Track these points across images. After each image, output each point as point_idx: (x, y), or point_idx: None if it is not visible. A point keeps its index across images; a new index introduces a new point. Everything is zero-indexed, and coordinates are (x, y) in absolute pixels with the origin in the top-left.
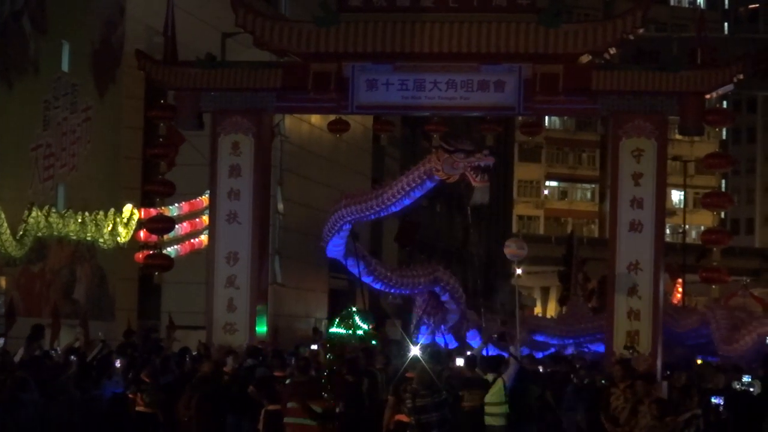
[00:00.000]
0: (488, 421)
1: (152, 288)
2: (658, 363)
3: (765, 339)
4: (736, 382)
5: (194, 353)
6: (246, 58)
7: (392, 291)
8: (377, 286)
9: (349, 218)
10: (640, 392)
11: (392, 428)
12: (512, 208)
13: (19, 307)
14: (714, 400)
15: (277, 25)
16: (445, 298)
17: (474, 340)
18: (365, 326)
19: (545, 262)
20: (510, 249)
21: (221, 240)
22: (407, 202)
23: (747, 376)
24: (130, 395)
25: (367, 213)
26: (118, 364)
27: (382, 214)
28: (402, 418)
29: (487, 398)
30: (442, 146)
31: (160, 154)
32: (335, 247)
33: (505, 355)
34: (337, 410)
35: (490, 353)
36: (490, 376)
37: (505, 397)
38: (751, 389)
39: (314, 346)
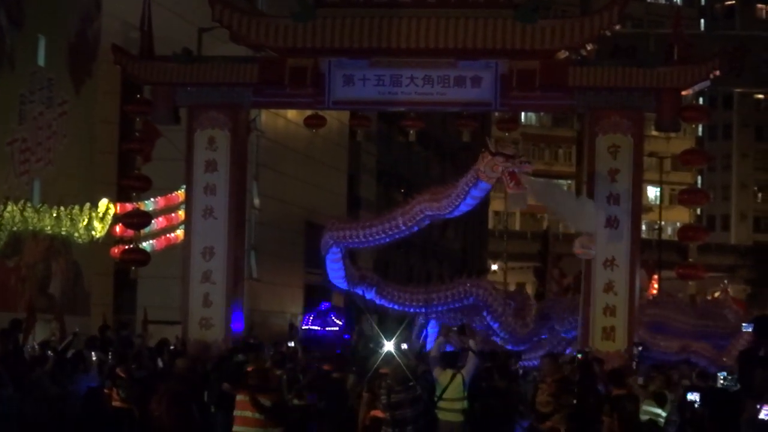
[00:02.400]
0: (446, 416)
1: (128, 283)
2: (634, 359)
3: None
4: (720, 377)
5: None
6: (222, 53)
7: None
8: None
9: (429, 213)
10: (544, 371)
11: (367, 424)
12: (488, 204)
13: None
14: (690, 397)
15: (254, 20)
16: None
17: None
18: None
19: (521, 257)
20: (578, 248)
21: (197, 235)
22: (470, 201)
23: (722, 372)
24: (106, 390)
25: (442, 212)
26: (94, 357)
27: (454, 214)
28: (377, 413)
29: (446, 394)
30: (488, 148)
31: (136, 148)
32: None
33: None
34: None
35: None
36: (449, 372)
37: (464, 393)
38: (728, 385)
39: (291, 343)
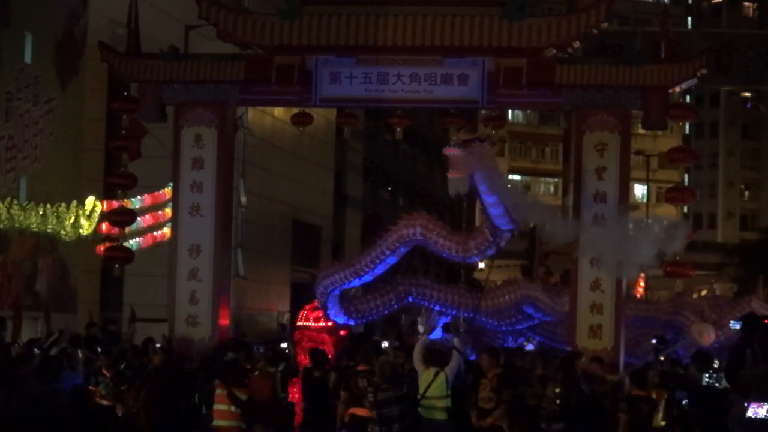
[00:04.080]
0: (429, 415)
1: (114, 280)
2: (621, 357)
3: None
4: (705, 375)
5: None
6: (209, 50)
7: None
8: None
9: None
10: (484, 366)
11: (346, 422)
12: (475, 201)
13: None
14: (678, 395)
15: (241, 18)
16: None
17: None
18: None
19: (508, 255)
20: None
21: (184, 232)
22: (487, 199)
23: (709, 371)
24: (91, 387)
25: (494, 220)
26: (80, 355)
27: (498, 223)
28: (356, 411)
29: (429, 392)
30: None
31: (122, 146)
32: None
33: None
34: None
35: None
36: (432, 369)
37: (447, 391)
38: (717, 384)
39: (284, 345)
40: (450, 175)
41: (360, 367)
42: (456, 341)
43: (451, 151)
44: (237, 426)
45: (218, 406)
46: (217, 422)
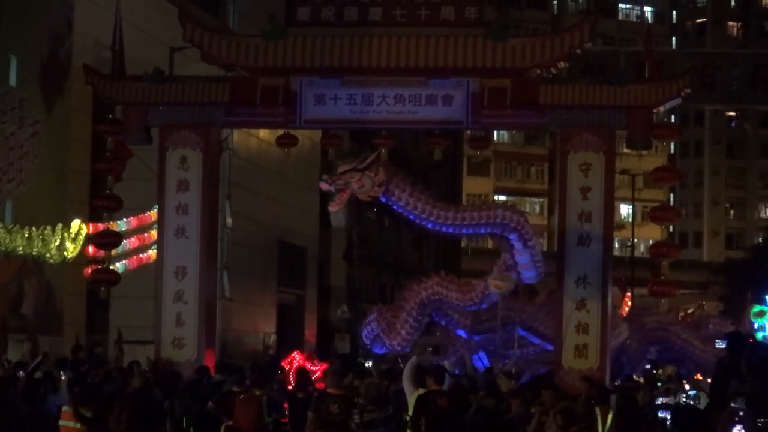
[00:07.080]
0: None
1: (101, 303)
2: (607, 377)
3: None
4: (682, 395)
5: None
6: (194, 72)
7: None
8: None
9: None
10: (546, 402)
11: None
12: None
13: None
14: (661, 415)
15: (225, 40)
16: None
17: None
18: None
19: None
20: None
21: (169, 254)
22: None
23: (693, 390)
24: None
25: None
26: (63, 377)
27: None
28: None
29: None
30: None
31: (107, 168)
32: None
33: None
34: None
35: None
36: (421, 391)
37: None
38: (693, 402)
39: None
40: (330, 208)
41: (330, 391)
42: (447, 363)
43: (324, 186)
44: None
45: (64, 423)
46: None
